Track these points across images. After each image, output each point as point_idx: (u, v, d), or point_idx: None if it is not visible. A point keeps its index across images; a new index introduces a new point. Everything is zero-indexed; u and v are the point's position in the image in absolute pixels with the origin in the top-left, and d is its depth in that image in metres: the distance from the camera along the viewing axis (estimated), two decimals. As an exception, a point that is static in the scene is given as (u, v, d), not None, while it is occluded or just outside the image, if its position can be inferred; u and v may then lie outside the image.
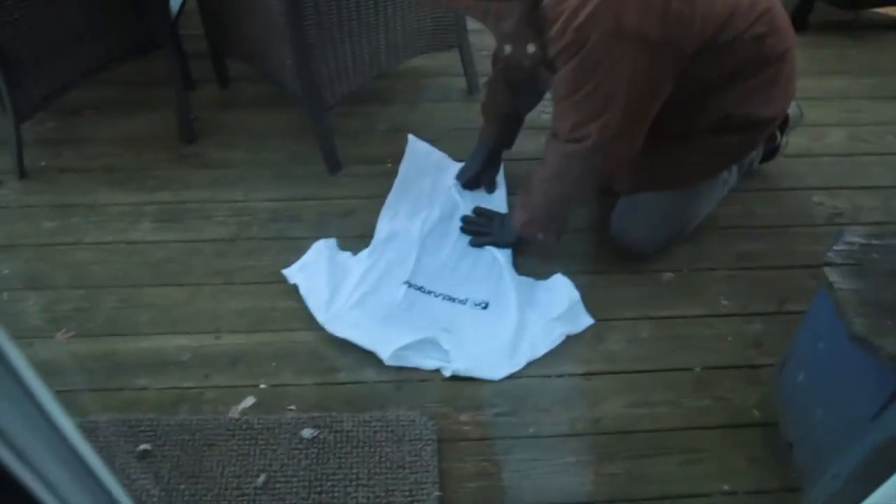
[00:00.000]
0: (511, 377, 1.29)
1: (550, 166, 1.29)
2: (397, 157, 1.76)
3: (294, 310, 1.39)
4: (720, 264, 1.51)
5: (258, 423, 1.21)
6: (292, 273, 1.40)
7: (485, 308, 1.39)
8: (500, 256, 1.45)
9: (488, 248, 1.48)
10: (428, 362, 1.29)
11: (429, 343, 1.29)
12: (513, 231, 1.45)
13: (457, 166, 1.65)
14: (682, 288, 1.46)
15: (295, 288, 1.42)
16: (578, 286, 1.42)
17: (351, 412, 1.23)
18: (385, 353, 1.27)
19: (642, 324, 1.39)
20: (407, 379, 1.28)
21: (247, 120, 1.82)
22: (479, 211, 1.54)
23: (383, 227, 1.48)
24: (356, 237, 1.53)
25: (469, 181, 1.59)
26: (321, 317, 1.31)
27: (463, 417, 1.23)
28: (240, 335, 1.36)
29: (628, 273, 1.48)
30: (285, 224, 1.57)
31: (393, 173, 1.68)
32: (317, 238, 1.51)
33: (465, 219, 1.53)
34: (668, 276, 1.49)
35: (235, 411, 1.24)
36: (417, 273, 1.42)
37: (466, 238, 1.50)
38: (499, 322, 1.35)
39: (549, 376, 1.30)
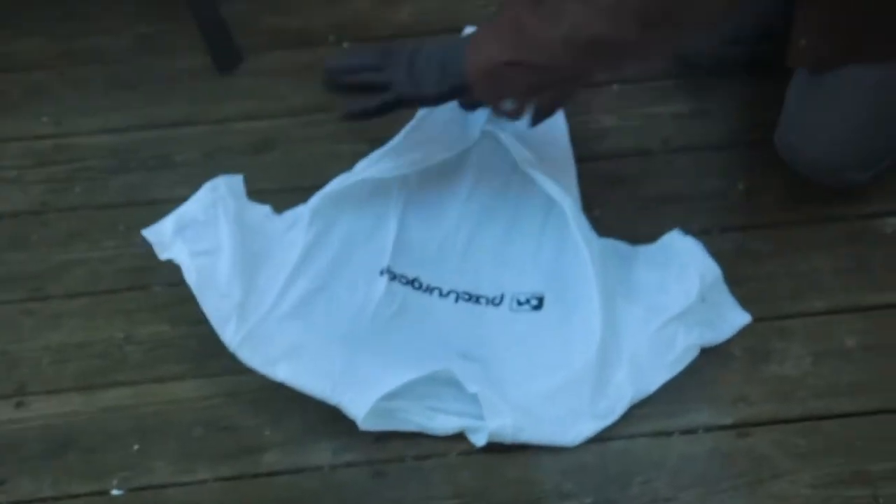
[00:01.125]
0: (598, 439, 1.30)
1: None
2: (345, 27, 1.75)
3: (168, 338, 1.41)
4: None
5: (110, 567, 1.21)
6: (164, 237, 1.38)
7: (537, 307, 1.42)
8: (561, 199, 1.43)
9: (543, 188, 1.45)
10: (440, 421, 1.31)
11: (439, 384, 1.31)
12: (454, 72, 1.37)
13: None
14: None
15: (172, 276, 1.40)
16: (718, 256, 1.40)
17: None
18: (358, 410, 1.28)
19: (846, 322, 1.40)
20: (395, 457, 1.30)
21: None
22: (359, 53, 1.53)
23: (347, 176, 1.48)
24: (281, 192, 1.53)
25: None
26: (230, 334, 1.33)
27: None
28: (65, 396, 1.37)
29: (814, 224, 1.49)
30: (141, 176, 1.59)
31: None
32: None
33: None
34: (892, 223, 1.49)
35: None
36: (402, 256, 1.45)
37: (489, 188, 1.50)
38: (568, 331, 1.37)
39: (670, 433, 1.31)
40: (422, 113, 1.52)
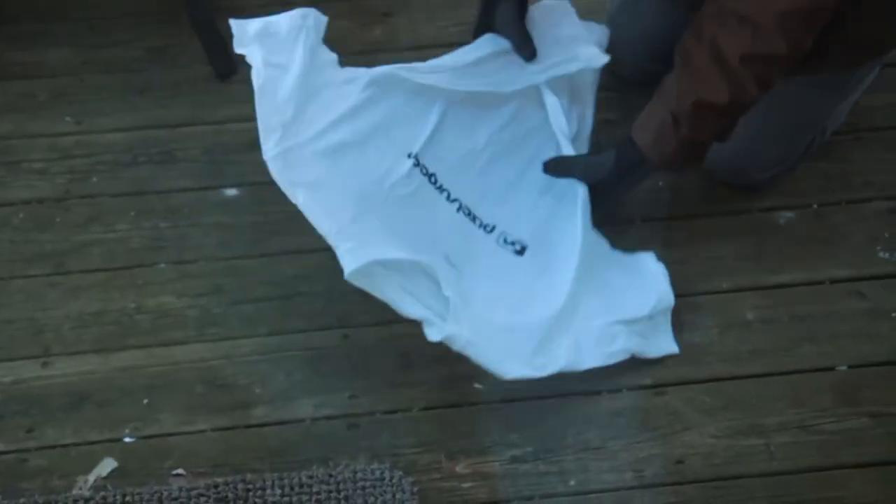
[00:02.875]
0: (537, 396, 1.30)
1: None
2: (328, 43, 1.71)
3: (173, 309, 1.41)
4: (874, 191, 1.52)
5: (124, 501, 1.20)
6: (245, 34, 1.30)
7: (519, 253, 1.40)
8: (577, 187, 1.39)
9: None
10: (407, 304, 1.25)
11: (420, 274, 1.27)
12: (623, 156, 1.34)
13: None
14: (810, 236, 1.48)
15: (177, 255, 1.44)
16: (640, 242, 1.43)
17: (277, 471, 1.24)
18: (351, 263, 1.22)
19: (746, 298, 1.41)
20: (367, 412, 1.30)
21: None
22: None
23: (408, 69, 1.41)
24: (274, 183, 1.50)
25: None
26: (270, 144, 1.27)
27: (460, 468, 1.26)
28: (83, 357, 1.37)
29: (722, 216, 1.50)
30: (149, 169, 1.58)
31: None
32: (206, 189, 1.55)
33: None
34: (786, 216, 1.50)
35: (84, 484, 1.24)
36: (431, 150, 1.40)
37: (520, 128, 1.45)
38: (537, 286, 1.36)
39: (598, 392, 1.32)
40: (483, 42, 1.43)
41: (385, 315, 1.25)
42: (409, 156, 1.38)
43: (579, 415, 1.29)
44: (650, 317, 1.35)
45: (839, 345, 1.35)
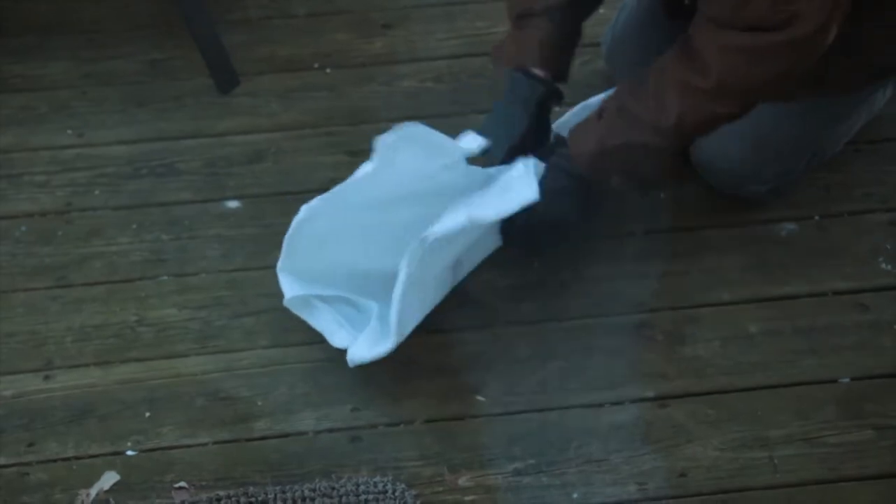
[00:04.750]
0: (539, 409, 1.31)
1: (702, 66, 1.24)
2: (327, 56, 1.75)
3: (174, 321, 1.41)
4: (875, 203, 1.52)
5: (125, 515, 1.21)
6: (404, 131, 1.24)
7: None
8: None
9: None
10: (338, 336, 1.33)
11: (359, 308, 1.36)
12: (558, 166, 1.35)
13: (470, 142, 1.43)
14: (812, 247, 1.48)
15: (178, 268, 1.45)
16: (642, 254, 1.44)
17: (279, 484, 1.24)
18: (289, 291, 1.31)
19: (749, 311, 1.40)
20: (369, 424, 1.30)
21: (70, 7, 1.82)
22: None
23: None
24: (272, 195, 1.56)
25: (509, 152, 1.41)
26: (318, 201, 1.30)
27: (462, 480, 1.25)
28: (85, 371, 1.36)
29: (723, 228, 1.49)
30: (151, 181, 1.58)
31: (323, 82, 1.70)
32: (207, 202, 1.55)
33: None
34: (788, 228, 1.50)
35: (86, 498, 1.23)
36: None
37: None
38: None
39: (600, 405, 1.32)
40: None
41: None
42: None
43: (581, 427, 1.29)
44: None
45: (842, 357, 1.35)
